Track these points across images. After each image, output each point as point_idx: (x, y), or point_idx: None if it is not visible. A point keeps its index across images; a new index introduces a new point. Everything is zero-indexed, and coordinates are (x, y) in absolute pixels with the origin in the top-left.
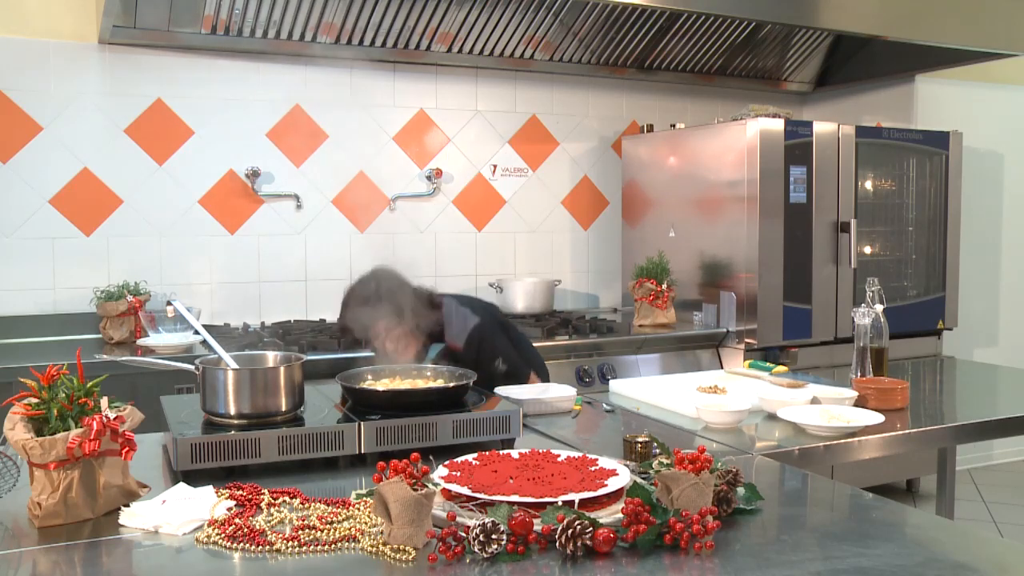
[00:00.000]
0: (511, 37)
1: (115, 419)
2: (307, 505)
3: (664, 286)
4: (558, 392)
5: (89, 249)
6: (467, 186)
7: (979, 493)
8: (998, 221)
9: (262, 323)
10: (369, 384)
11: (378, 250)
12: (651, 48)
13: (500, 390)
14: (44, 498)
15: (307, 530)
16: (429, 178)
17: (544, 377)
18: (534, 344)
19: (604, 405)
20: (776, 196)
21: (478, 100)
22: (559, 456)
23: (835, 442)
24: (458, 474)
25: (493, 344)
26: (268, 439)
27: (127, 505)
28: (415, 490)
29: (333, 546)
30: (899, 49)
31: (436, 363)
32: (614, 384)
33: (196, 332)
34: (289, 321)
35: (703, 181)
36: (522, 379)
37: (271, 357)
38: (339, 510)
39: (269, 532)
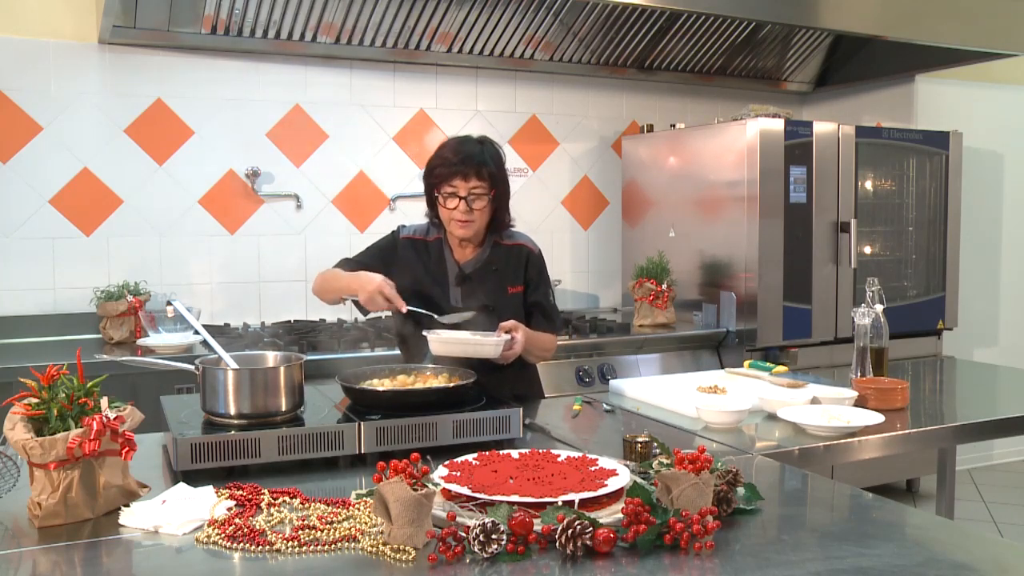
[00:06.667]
0: (511, 37)
1: (115, 419)
2: (307, 505)
3: (664, 286)
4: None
5: (89, 249)
6: None
7: (979, 493)
8: (998, 221)
9: (262, 323)
10: (369, 384)
11: None
12: (651, 48)
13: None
14: (44, 498)
15: (307, 530)
16: None
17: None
18: None
19: (604, 405)
20: (776, 196)
21: (478, 100)
22: (559, 456)
23: (835, 442)
24: (458, 474)
25: None
26: (268, 439)
27: (127, 505)
28: (415, 490)
29: (333, 546)
30: (899, 49)
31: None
32: (614, 384)
33: (196, 332)
34: (289, 321)
35: (703, 181)
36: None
37: (271, 357)
38: (339, 510)
39: (269, 532)
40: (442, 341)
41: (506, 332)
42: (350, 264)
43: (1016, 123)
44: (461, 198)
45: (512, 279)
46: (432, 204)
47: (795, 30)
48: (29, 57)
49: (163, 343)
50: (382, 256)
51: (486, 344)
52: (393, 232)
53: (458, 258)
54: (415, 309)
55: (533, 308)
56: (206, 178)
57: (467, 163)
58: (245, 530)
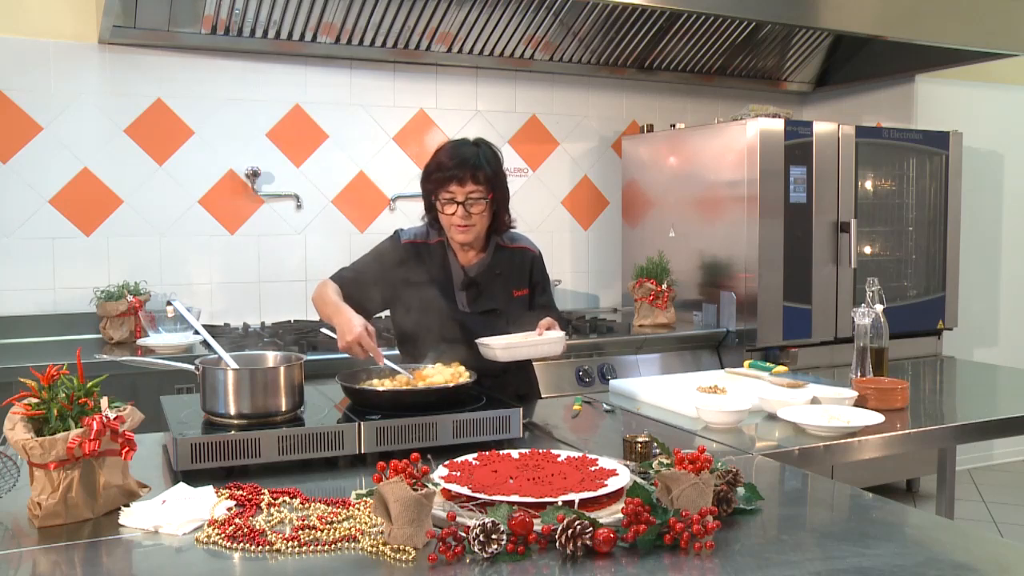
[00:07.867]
0: (511, 37)
1: (115, 419)
2: (307, 505)
3: (664, 286)
4: (547, 335)
5: (89, 249)
6: None
7: (979, 493)
8: (998, 221)
9: (262, 323)
10: (369, 384)
11: None
12: (651, 48)
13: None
14: (44, 498)
15: (307, 530)
16: None
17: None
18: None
19: (604, 405)
20: (776, 196)
21: (478, 100)
22: (559, 456)
23: (835, 442)
24: (458, 474)
25: None
26: (268, 439)
27: (127, 505)
28: (415, 490)
29: (333, 546)
30: (899, 49)
31: None
32: (614, 384)
33: (196, 332)
34: (289, 321)
35: (703, 181)
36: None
37: (271, 357)
38: (339, 510)
39: (269, 532)
40: (507, 348)
41: (547, 329)
42: (349, 273)
43: (1016, 123)
44: (459, 203)
45: (517, 283)
46: (430, 208)
47: (795, 30)
48: (29, 57)
49: (163, 343)
50: (383, 262)
51: (553, 342)
52: (392, 237)
53: (463, 262)
54: (392, 365)
55: (542, 310)
56: (206, 178)
57: (463, 167)
58: (245, 530)
